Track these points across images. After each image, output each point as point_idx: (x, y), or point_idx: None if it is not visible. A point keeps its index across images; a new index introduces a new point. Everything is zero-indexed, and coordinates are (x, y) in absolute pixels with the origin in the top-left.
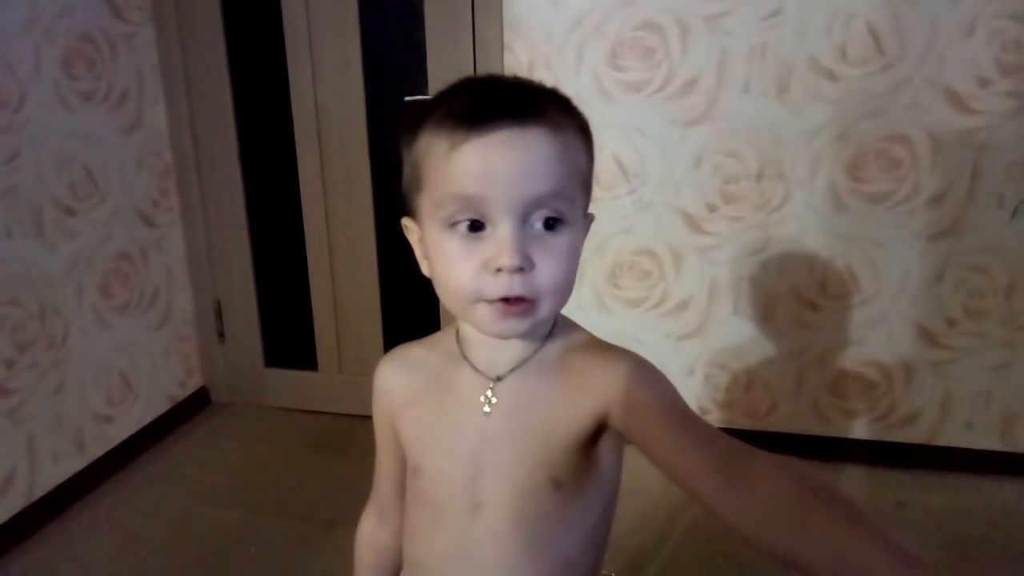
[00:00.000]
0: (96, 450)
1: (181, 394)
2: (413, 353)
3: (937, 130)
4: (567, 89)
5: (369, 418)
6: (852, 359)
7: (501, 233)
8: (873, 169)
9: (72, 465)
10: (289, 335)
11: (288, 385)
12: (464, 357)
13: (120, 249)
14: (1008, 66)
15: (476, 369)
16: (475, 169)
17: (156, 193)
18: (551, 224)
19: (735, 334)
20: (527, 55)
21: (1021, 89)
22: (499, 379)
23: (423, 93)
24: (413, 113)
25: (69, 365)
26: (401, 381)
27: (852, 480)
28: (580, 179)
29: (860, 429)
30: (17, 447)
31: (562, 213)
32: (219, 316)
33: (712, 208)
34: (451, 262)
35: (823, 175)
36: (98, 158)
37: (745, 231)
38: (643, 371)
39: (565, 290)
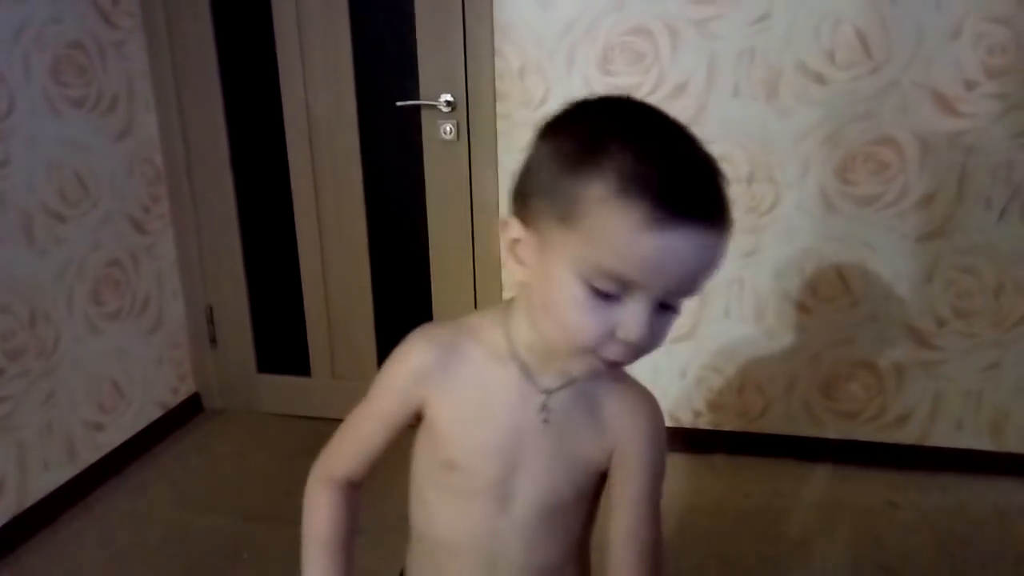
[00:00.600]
0: (88, 458)
1: (173, 401)
2: (457, 342)
3: (925, 133)
4: (559, 94)
5: None
6: (843, 360)
7: (639, 312)
8: (862, 171)
9: (63, 473)
10: (281, 340)
11: (281, 391)
12: (514, 358)
13: (111, 256)
14: (993, 69)
15: (527, 375)
16: (653, 261)
17: (147, 199)
18: (673, 305)
19: (727, 336)
20: (518, 60)
21: (1006, 91)
22: (548, 392)
23: (415, 98)
24: (572, 117)
25: (60, 372)
26: (441, 368)
27: (844, 480)
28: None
29: (852, 430)
30: (7, 455)
31: (695, 293)
32: (211, 322)
33: None
34: (576, 310)
35: (813, 178)
36: (88, 165)
37: (736, 234)
38: (654, 433)
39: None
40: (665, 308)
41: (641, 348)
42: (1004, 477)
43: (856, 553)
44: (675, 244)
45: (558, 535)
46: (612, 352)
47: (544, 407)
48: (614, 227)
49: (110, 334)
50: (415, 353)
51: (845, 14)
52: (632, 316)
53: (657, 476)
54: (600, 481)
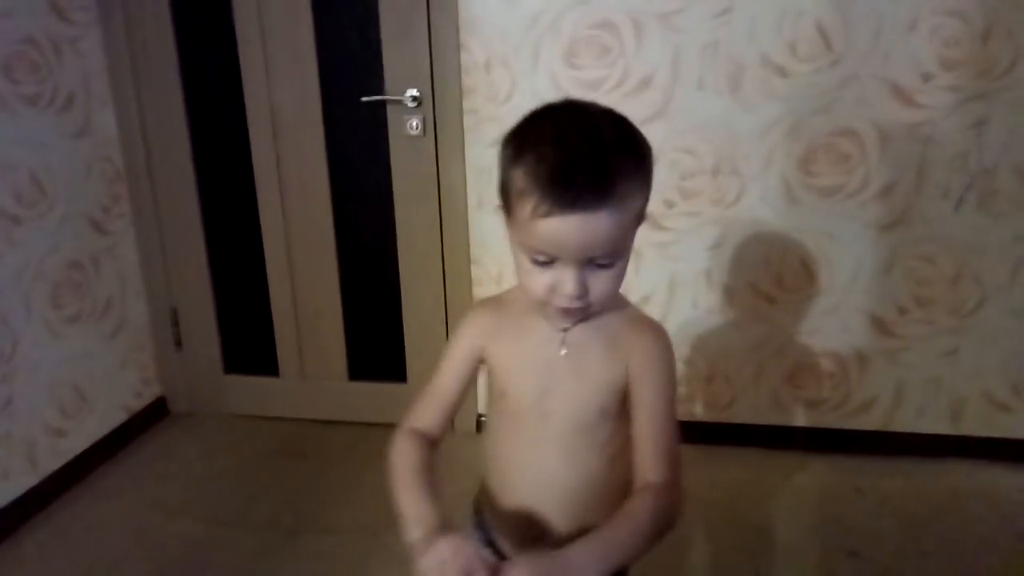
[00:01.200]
0: (49, 465)
1: (138, 405)
2: (502, 305)
3: (884, 124)
4: (525, 89)
5: (332, 423)
6: (809, 350)
7: (565, 274)
8: (824, 163)
9: (24, 482)
10: (249, 341)
11: (249, 392)
12: (538, 310)
13: (70, 257)
14: (949, 61)
15: (549, 320)
16: (552, 238)
17: (107, 199)
18: (604, 264)
19: (695, 328)
20: (484, 54)
21: (961, 83)
22: (566, 330)
23: (379, 93)
24: (515, 130)
25: (19, 378)
26: (494, 324)
27: (811, 467)
28: (634, 223)
29: (818, 418)
30: None
31: (613, 256)
32: (176, 323)
33: (670, 204)
34: (529, 274)
35: (776, 170)
36: (44, 164)
37: (703, 226)
38: (661, 347)
39: (613, 296)
40: (600, 266)
41: (585, 298)
42: (963, 460)
43: (823, 538)
44: (561, 227)
45: (591, 450)
46: (561, 302)
47: (563, 342)
48: (523, 216)
49: (71, 338)
50: (476, 319)
51: (806, 7)
52: (561, 277)
53: (668, 383)
54: (623, 401)
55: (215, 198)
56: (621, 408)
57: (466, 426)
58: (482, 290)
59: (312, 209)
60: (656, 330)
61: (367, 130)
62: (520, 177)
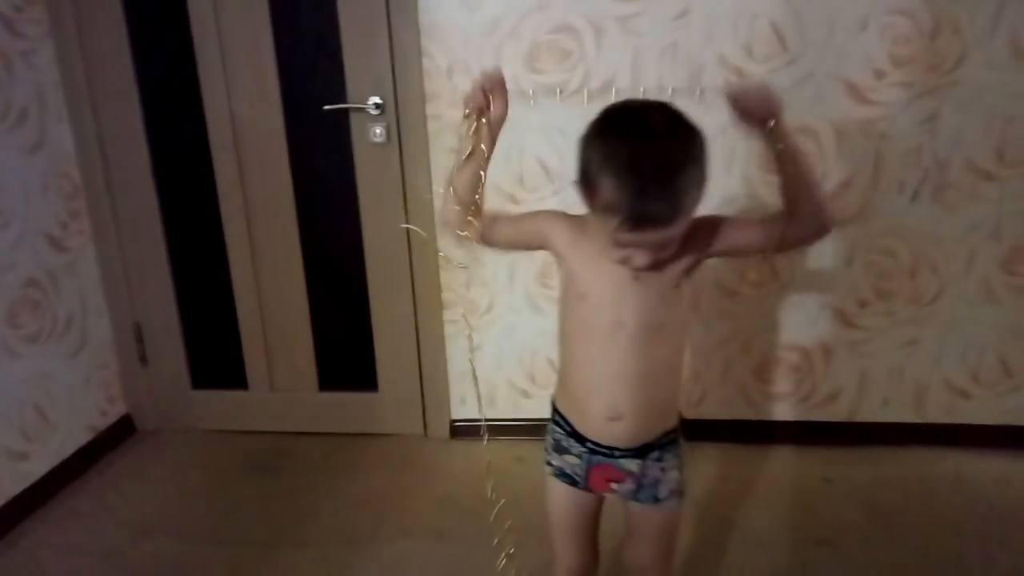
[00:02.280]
0: (11, 488)
1: (103, 423)
2: (584, 225)
3: (840, 121)
4: None
5: (304, 434)
6: (774, 344)
7: (639, 254)
8: None
9: None
10: (216, 354)
11: (217, 406)
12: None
13: (27, 276)
14: (899, 58)
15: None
16: (631, 240)
17: (65, 215)
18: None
19: None
20: (445, 60)
21: (912, 79)
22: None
23: (342, 101)
24: (596, 135)
25: None
26: (575, 235)
27: (780, 460)
28: (697, 203)
29: (786, 411)
30: None
31: (679, 237)
32: (140, 339)
33: None
34: (613, 249)
35: (737, 169)
36: None
37: None
38: (703, 220)
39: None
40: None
41: (655, 262)
42: (927, 447)
43: (794, 529)
44: (638, 236)
45: (657, 346)
46: (633, 267)
47: (635, 275)
48: (607, 220)
49: (30, 357)
50: (560, 219)
51: (760, 9)
52: (635, 254)
53: (725, 219)
54: (674, 312)
55: (177, 211)
56: (678, 296)
57: (440, 433)
58: (451, 295)
59: (277, 219)
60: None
61: (330, 139)
62: (602, 192)
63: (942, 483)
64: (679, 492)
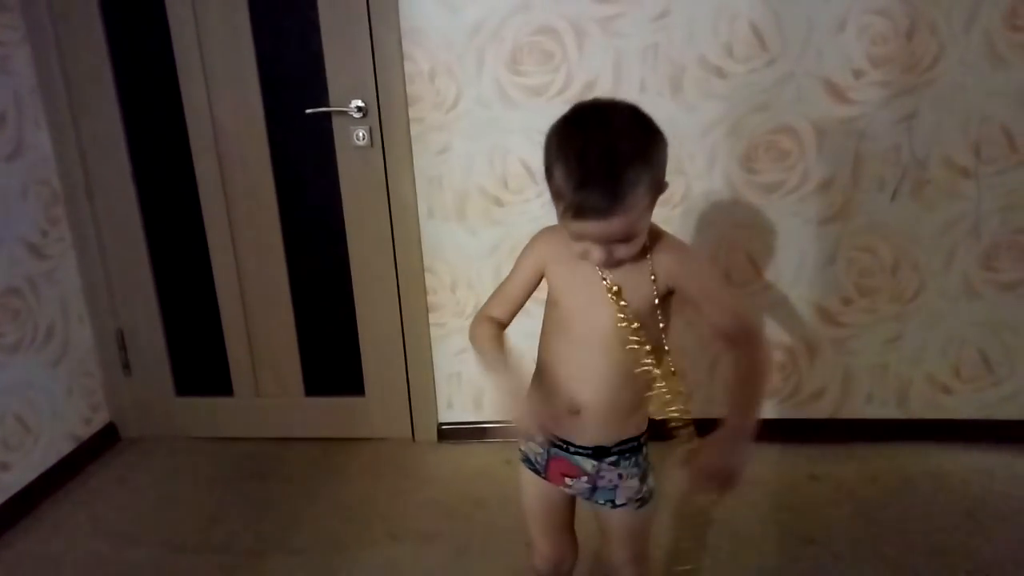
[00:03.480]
0: None
1: (86, 432)
2: (565, 239)
3: (820, 120)
4: (471, 96)
5: (290, 440)
6: None
7: (594, 249)
8: (765, 160)
9: None
10: (200, 361)
11: (202, 413)
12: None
13: (7, 284)
14: (877, 58)
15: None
16: (577, 231)
17: (45, 222)
18: (624, 239)
19: None
20: (428, 63)
21: (890, 79)
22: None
23: (324, 105)
24: (558, 128)
25: None
26: (556, 248)
27: (766, 458)
28: (649, 207)
29: (771, 408)
30: None
31: (629, 236)
32: (123, 347)
33: None
34: (572, 237)
35: (719, 168)
36: None
37: None
38: (685, 254)
39: (635, 254)
40: (620, 241)
41: (611, 260)
42: (911, 442)
43: (780, 527)
44: (582, 226)
45: (623, 350)
46: (592, 263)
47: (606, 276)
48: (560, 211)
49: (11, 367)
50: (544, 239)
51: (740, 9)
52: (590, 248)
53: (708, 273)
54: (655, 310)
55: (159, 217)
56: (652, 314)
57: (427, 436)
58: (437, 298)
59: (260, 224)
60: (678, 245)
61: (313, 143)
62: (555, 179)
63: (926, 478)
64: (640, 500)
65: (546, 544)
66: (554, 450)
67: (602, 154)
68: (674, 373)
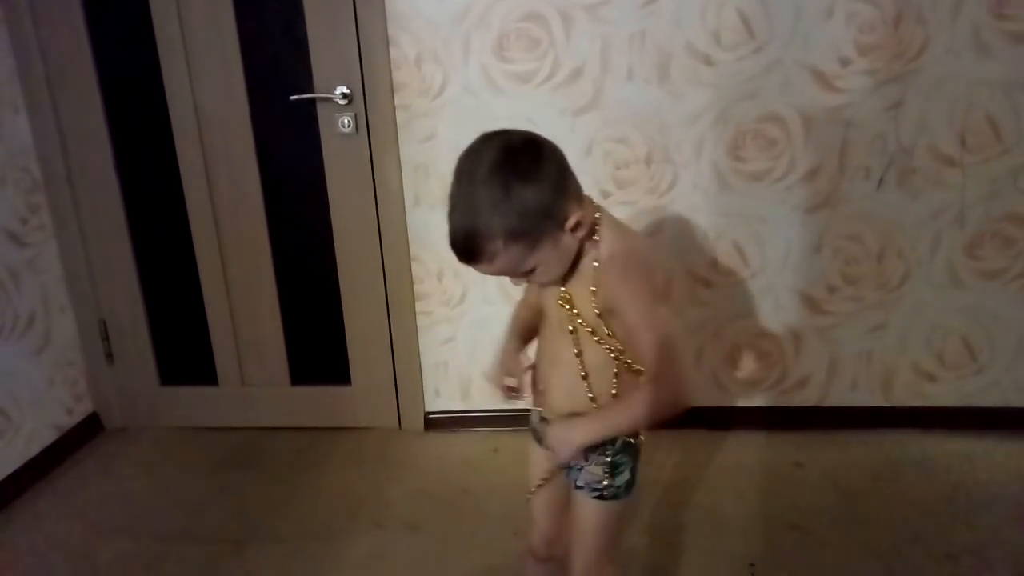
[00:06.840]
0: None
1: (69, 422)
2: None
3: (807, 108)
4: (457, 82)
5: (276, 430)
6: (745, 331)
7: (488, 273)
8: (752, 148)
9: None
10: (184, 350)
11: (187, 403)
12: None
13: None
14: (864, 46)
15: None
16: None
17: (24, 210)
18: (523, 275)
19: None
20: (414, 49)
21: (877, 67)
22: (564, 283)
23: (309, 92)
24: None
25: None
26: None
27: (752, 445)
28: (526, 248)
29: (757, 397)
30: None
31: (522, 271)
32: (106, 336)
33: (606, 194)
34: None
35: (707, 156)
36: None
37: (639, 215)
38: (616, 277)
39: (559, 275)
40: (527, 274)
41: (528, 285)
42: (895, 429)
43: (767, 514)
44: (461, 263)
45: (591, 345)
46: (513, 282)
47: (563, 294)
48: None
49: None
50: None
51: None
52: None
53: (636, 300)
54: (598, 317)
55: (141, 205)
56: (599, 323)
57: (414, 425)
58: (423, 287)
59: (244, 212)
60: (621, 268)
61: (298, 129)
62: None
63: (910, 464)
64: (598, 492)
65: (543, 516)
66: (542, 422)
67: (464, 207)
68: (636, 371)
